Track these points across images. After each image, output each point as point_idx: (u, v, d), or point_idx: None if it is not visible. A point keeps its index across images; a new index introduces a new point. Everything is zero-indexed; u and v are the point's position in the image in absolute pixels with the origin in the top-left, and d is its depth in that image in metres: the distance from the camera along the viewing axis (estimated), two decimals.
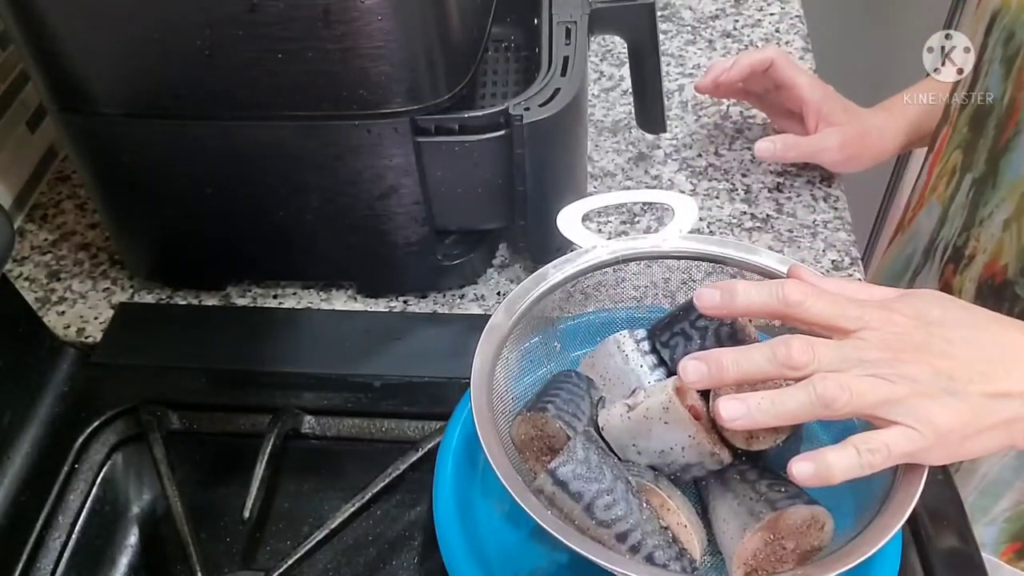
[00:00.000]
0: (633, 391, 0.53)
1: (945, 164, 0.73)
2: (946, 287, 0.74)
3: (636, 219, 0.81)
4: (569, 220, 0.59)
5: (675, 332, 0.55)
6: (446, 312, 0.74)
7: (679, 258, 0.58)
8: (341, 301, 0.75)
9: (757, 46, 0.98)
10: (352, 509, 0.59)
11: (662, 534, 0.47)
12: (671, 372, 0.55)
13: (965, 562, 0.56)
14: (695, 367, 0.46)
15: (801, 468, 0.44)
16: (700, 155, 0.87)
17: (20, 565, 0.59)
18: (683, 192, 0.82)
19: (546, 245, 0.71)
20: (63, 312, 0.75)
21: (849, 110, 0.82)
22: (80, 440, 0.64)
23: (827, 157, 0.81)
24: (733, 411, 0.45)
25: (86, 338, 0.73)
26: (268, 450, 0.61)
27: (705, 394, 0.52)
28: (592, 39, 0.83)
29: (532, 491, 0.47)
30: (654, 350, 0.56)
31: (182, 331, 0.73)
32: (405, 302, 0.75)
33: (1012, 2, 0.63)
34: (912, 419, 0.44)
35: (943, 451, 0.45)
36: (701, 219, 0.80)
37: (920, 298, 0.49)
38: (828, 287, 0.49)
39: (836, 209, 0.81)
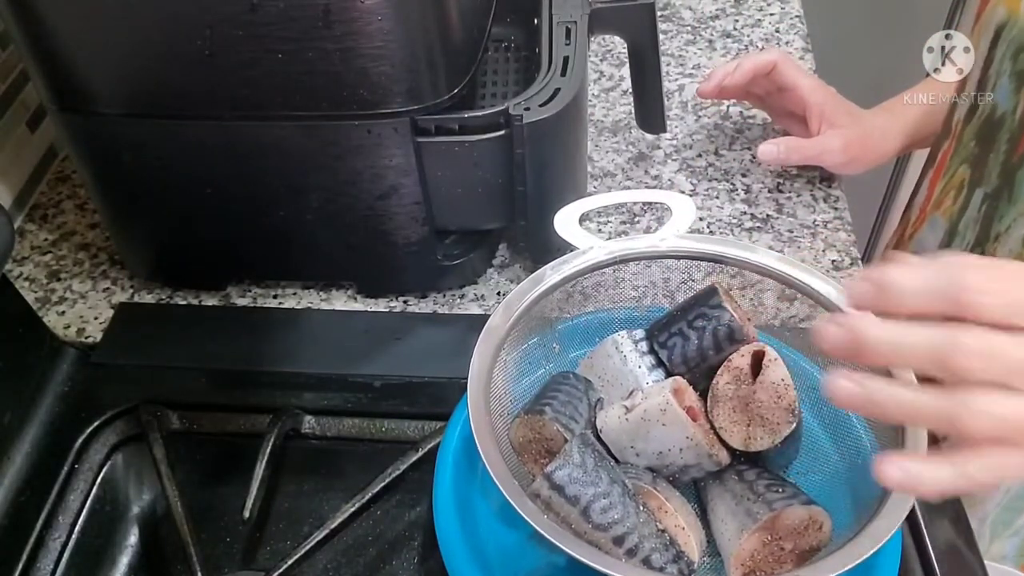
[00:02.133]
0: (631, 392, 0.53)
1: (950, 179, 0.73)
2: None
3: (636, 219, 0.81)
4: (566, 221, 0.59)
5: (673, 332, 0.55)
6: (446, 312, 0.74)
7: (677, 258, 0.58)
8: (341, 301, 0.75)
9: (757, 46, 0.98)
10: (352, 509, 0.59)
11: (659, 537, 0.47)
12: (669, 373, 0.55)
13: (965, 562, 0.56)
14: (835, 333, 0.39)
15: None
16: (700, 155, 0.87)
17: (20, 565, 0.59)
18: (683, 192, 0.82)
19: (546, 245, 0.71)
20: (63, 312, 0.75)
21: (852, 112, 0.81)
22: (80, 440, 0.64)
23: (830, 159, 0.80)
24: (847, 389, 0.39)
25: (86, 338, 0.73)
26: (268, 450, 0.61)
27: (704, 395, 0.52)
28: (592, 39, 0.83)
29: (529, 495, 0.47)
30: (652, 351, 0.56)
31: (182, 331, 0.73)
32: (405, 302, 0.75)
33: (1020, 16, 0.62)
34: None
35: None
36: (701, 219, 0.80)
37: None
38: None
39: (836, 209, 0.81)
